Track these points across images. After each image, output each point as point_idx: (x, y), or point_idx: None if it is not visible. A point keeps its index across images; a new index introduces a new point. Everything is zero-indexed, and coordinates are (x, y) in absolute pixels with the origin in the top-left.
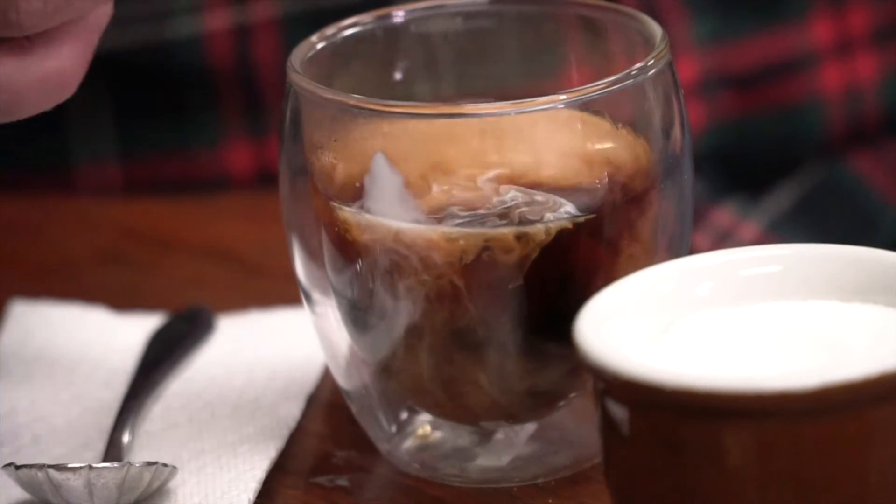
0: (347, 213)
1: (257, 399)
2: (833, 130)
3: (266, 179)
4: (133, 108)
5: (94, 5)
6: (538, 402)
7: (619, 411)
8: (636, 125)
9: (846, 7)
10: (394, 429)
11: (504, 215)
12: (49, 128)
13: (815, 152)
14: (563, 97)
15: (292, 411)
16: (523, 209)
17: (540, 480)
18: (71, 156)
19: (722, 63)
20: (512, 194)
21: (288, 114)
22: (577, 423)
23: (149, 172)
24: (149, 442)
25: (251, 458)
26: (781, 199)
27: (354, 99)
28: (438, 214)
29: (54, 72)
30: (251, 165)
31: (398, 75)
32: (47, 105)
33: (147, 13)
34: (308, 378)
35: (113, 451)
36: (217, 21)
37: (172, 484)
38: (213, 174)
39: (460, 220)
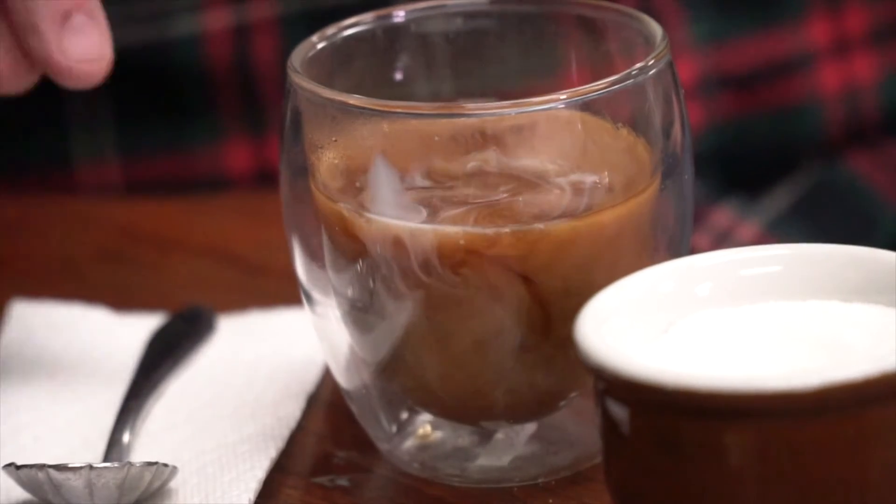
0: (348, 212)
1: (257, 399)
2: (831, 130)
3: (265, 179)
4: (133, 108)
5: None
6: (538, 402)
7: (619, 411)
8: (636, 125)
9: (843, 7)
10: (394, 429)
11: (504, 215)
12: (49, 127)
13: (813, 152)
14: (563, 97)
15: (293, 411)
16: (524, 209)
17: (540, 480)
18: (71, 155)
19: (720, 64)
20: (511, 195)
21: (288, 114)
22: (577, 423)
23: (148, 171)
24: (149, 442)
25: (251, 458)
26: (780, 199)
27: (354, 99)
28: (438, 214)
29: None
30: (250, 165)
31: (398, 75)
32: None
33: (147, 13)
34: (308, 378)
35: (113, 450)
36: (216, 21)
37: (173, 484)
38: (212, 173)
39: (460, 220)
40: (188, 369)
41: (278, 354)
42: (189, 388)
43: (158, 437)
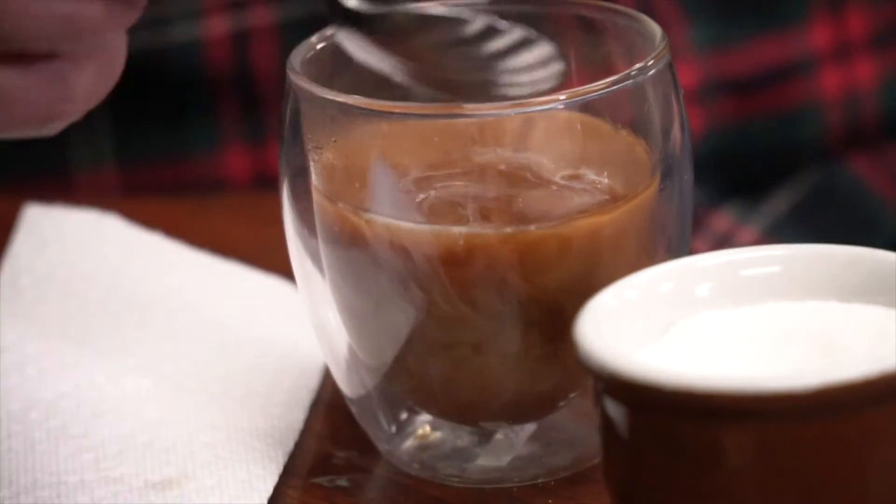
0: (347, 213)
1: (255, 406)
2: (832, 134)
3: (264, 185)
4: (131, 114)
5: (102, 29)
6: (538, 403)
7: (618, 411)
8: (636, 125)
9: (845, 12)
10: (394, 429)
11: (504, 216)
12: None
13: (813, 156)
14: (562, 97)
15: (294, 416)
16: (523, 210)
17: (540, 481)
18: (69, 161)
19: (721, 68)
20: (511, 195)
21: (288, 114)
22: (577, 423)
23: (147, 178)
24: (146, 448)
25: (247, 460)
26: (780, 203)
27: (354, 99)
28: (438, 214)
29: (53, 91)
30: (249, 171)
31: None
32: (38, 128)
33: (146, 19)
34: (310, 380)
35: None
36: (216, 27)
37: (169, 492)
38: (211, 179)
39: (460, 221)
40: (189, 366)
41: (279, 356)
42: (186, 388)
43: (156, 441)
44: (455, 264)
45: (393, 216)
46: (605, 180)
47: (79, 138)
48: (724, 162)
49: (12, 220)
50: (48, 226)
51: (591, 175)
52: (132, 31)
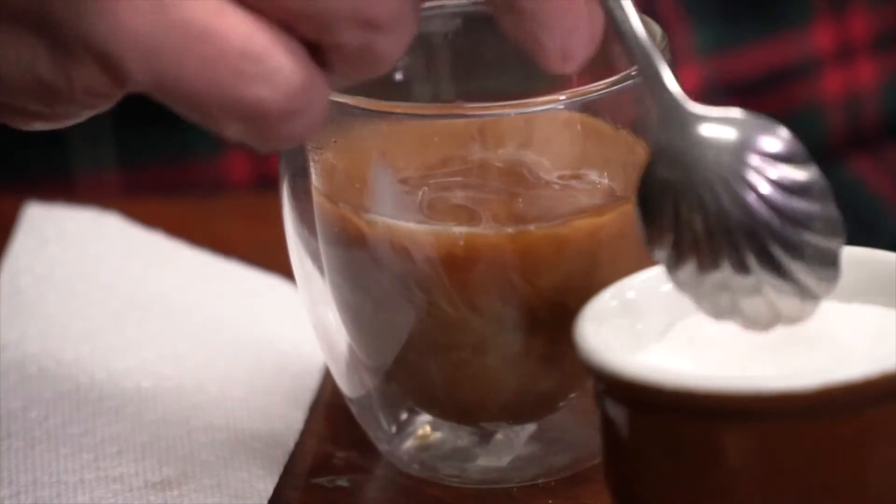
0: (347, 214)
1: (254, 406)
2: (833, 136)
3: (265, 188)
4: (133, 117)
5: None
6: (538, 402)
7: (619, 412)
8: (636, 126)
9: (847, 14)
10: (394, 429)
11: (504, 216)
12: (49, 136)
13: (815, 158)
14: (562, 98)
15: (295, 415)
16: (523, 210)
17: (540, 481)
18: (71, 163)
19: (723, 71)
20: (511, 195)
21: None
22: (577, 423)
23: (148, 180)
24: (145, 448)
25: (247, 460)
26: None
27: (354, 99)
28: (438, 215)
29: None
30: (250, 174)
31: (398, 75)
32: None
33: None
34: (310, 380)
35: None
36: None
37: (169, 492)
38: (212, 182)
39: (460, 221)
40: (189, 366)
41: (279, 356)
42: (184, 392)
43: (154, 445)
44: (455, 265)
45: (393, 217)
46: (606, 181)
47: (80, 140)
48: None
49: (12, 220)
50: (48, 225)
51: (591, 175)
52: None
